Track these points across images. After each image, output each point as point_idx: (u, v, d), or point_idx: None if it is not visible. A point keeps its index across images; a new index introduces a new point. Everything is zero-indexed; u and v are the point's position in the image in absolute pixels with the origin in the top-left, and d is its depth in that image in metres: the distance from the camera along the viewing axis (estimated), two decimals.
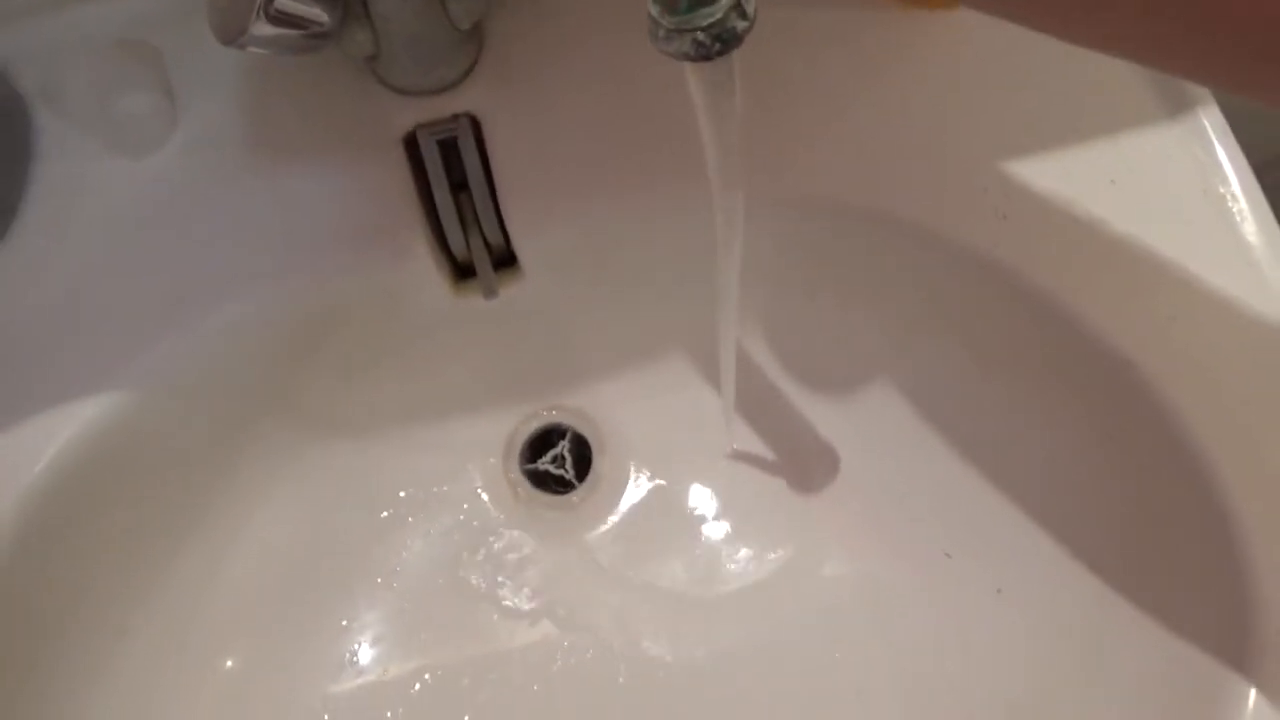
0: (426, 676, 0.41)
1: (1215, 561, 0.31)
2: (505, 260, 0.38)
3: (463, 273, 0.39)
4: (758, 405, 0.43)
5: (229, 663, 0.40)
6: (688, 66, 0.21)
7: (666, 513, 0.45)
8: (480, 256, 0.37)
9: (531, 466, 0.46)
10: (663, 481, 0.45)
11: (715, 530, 0.44)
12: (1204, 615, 0.31)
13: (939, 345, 0.38)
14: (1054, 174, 0.34)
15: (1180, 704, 0.31)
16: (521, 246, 0.37)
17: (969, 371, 0.38)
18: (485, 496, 0.45)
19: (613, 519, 0.45)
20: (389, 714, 0.40)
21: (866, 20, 0.36)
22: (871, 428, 0.41)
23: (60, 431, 0.33)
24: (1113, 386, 0.33)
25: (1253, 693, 0.30)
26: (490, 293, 0.38)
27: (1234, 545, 0.30)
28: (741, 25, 0.19)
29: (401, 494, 0.44)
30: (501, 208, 0.35)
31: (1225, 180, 0.34)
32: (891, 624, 0.40)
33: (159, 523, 0.38)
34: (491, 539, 0.44)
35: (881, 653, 0.39)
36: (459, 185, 0.36)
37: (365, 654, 0.41)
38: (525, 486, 0.45)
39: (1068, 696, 0.35)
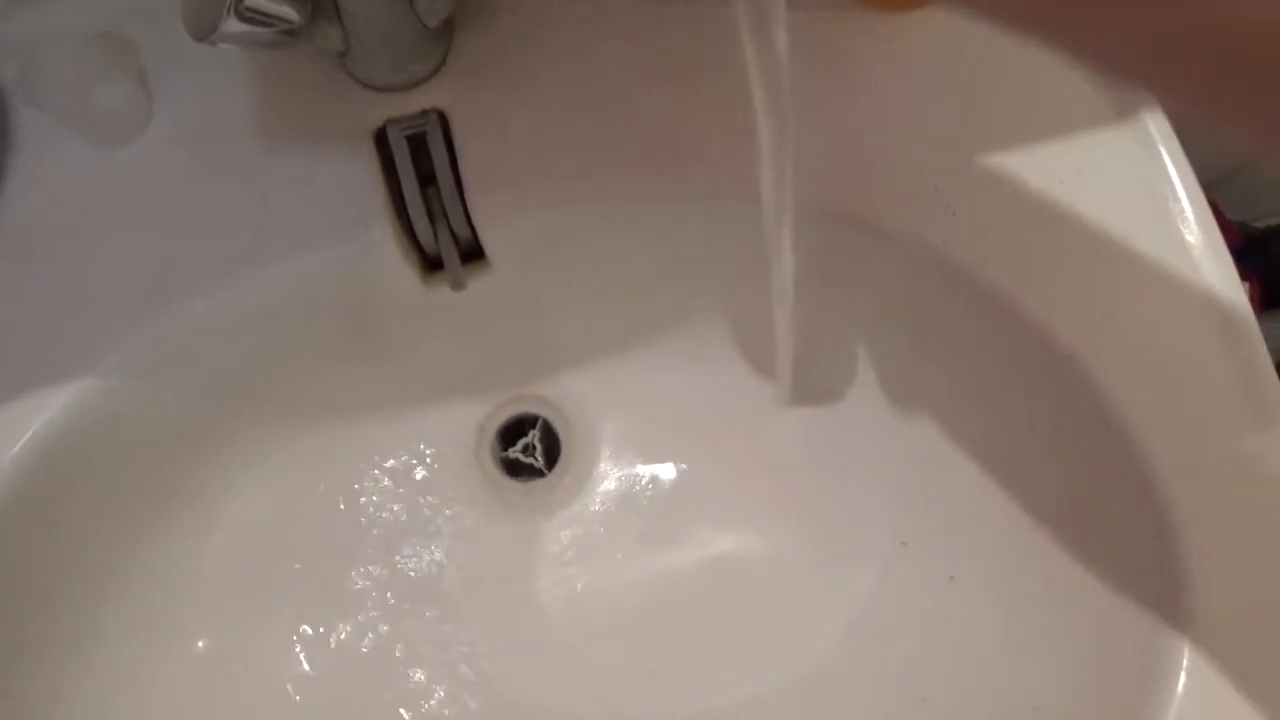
0: (398, 655, 0.42)
1: (1149, 542, 0.32)
2: (474, 253, 0.39)
3: (432, 265, 0.39)
4: (716, 395, 0.44)
5: (200, 642, 0.41)
6: None
7: (634, 499, 0.46)
8: (448, 249, 0.38)
9: (503, 454, 0.47)
10: (630, 469, 0.46)
11: (680, 517, 0.45)
12: (1140, 593, 0.32)
13: (889, 336, 0.39)
14: (1004, 173, 0.35)
15: (1120, 674, 0.33)
16: (488, 240, 0.38)
17: (918, 363, 0.39)
18: (456, 483, 0.46)
19: (582, 505, 0.46)
20: (355, 693, 0.41)
21: (822, 20, 0.37)
22: (825, 421, 0.42)
23: (36, 415, 0.34)
24: (1054, 378, 0.34)
25: (1183, 675, 0.31)
26: (458, 285, 0.39)
27: (1166, 527, 0.32)
28: None
29: (373, 480, 0.45)
30: (468, 202, 0.36)
31: (1169, 183, 0.35)
32: (851, 609, 0.41)
33: (135, 505, 0.39)
34: (462, 525, 0.45)
35: (840, 637, 0.41)
36: (428, 179, 0.37)
37: (334, 636, 0.42)
38: (496, 474, 0.46)
39: (1017, 674, 0.36)
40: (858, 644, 0.40)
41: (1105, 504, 0.34)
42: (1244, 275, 0.91)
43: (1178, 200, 0.35)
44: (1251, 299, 0.88)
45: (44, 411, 0.34)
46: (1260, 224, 0.90)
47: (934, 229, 0.35)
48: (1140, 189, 0.35)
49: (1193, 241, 0.34)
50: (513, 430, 0.47)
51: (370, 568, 0.44)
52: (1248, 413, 0.33)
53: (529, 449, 0.47)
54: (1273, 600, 0.31)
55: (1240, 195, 0.90)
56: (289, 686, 0.41)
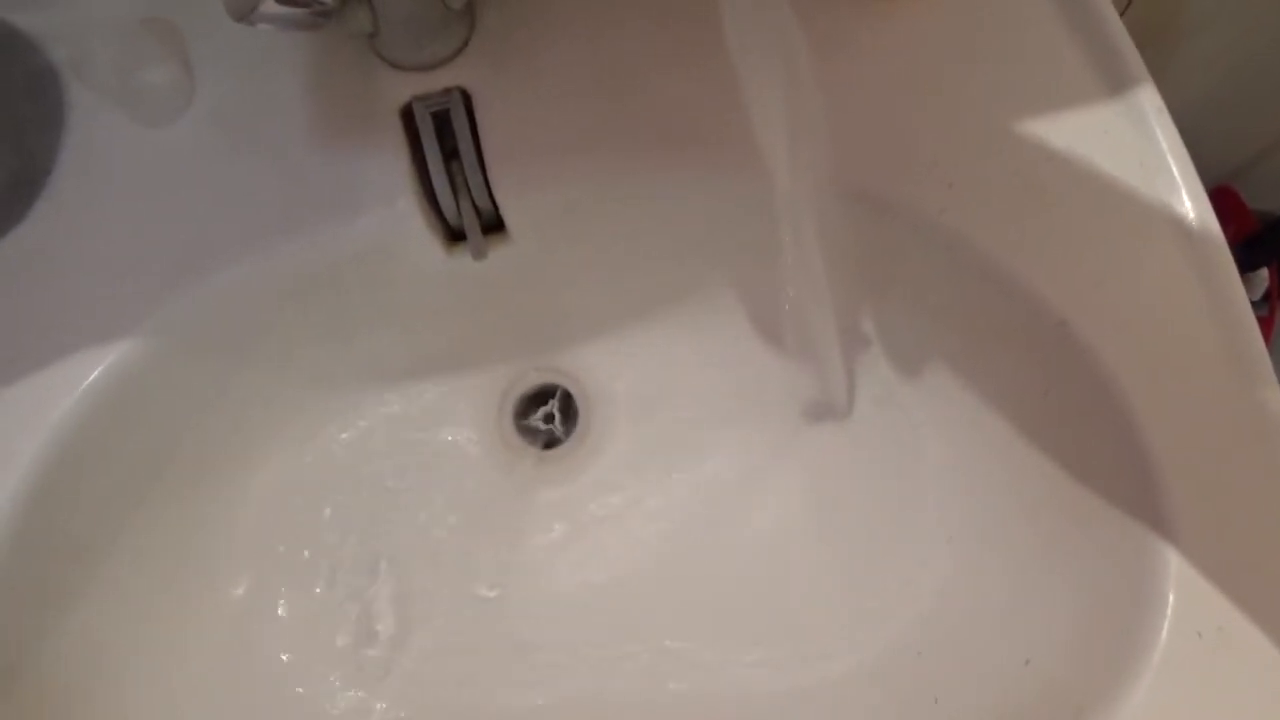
0: (416, 611, 0.45)
1: (1136, 499, 0.33)
2: (494, 225, 0.41)
3: (455, 236, 0.41)
4: (727, 366, 0.46)
5: (238, 591, 0.43)
6: None
7: (650, 467, 0.47)
8: (470, 220, 0.40)
9: (523, 422, 0.49)
10: (647, 437, 0.48)
11: (691, 486, 0.47)
12: (1127, 550, 0.34)
13: (888, 304, 0.41)
14: (998, 147, 0.37)
15: (1108, 626, 0.34)
16: (508, 212, 0.40)
17: (918, 330, 0.40)
18: (478, 450, 0.48)
19: (600, 473, 0.48)
20: (381, 643, 0.44)
21: (821, 2, 0.38)
22: (829, 386, 0.44)
23: (82, 376, 0.36)
24: (1046, 343, 0.35)
25: (1166, 626, 0.32)
26: (479, 255, 0.41)
27: (1153, 485, 0.33)
28: None
29: (397, 445, 0.47)
30: (489, 175, 0.38)
31: (1160, 155, 0.36)
32: (845, 568, 0.43)
33: (170, 462, 0.41)
34: (483, 491, 0.47)
35: (835, 593, 0.42)
36: (451, 154, 0.39)
37: (355, 590, 0.45)
38: (517, 441, 0.48)
39: (1011, 629, 0.38)
40: (853, 602, 0.42)
41: (1095, 464, 0.36)
42: (1262, 262, 0.90)
43: (1168, 171, 0.36)
44: (1271, 285, 0.88)
45: (89, 372, 0.37)
46: None
47: (932, 200, 0.36)
48: (1132, 160, 0.36)
49: (1180, 211, 0.35)
50: (534, 398, 0.49)
51: (392, 528, 0.46)
52: (1233, 375, 0.34)
53: (549, 417, 0.49)
54: (1255, 554, 0.33)
55: (1261, 184, 0.90)
56: (318, 636, 0.44)
